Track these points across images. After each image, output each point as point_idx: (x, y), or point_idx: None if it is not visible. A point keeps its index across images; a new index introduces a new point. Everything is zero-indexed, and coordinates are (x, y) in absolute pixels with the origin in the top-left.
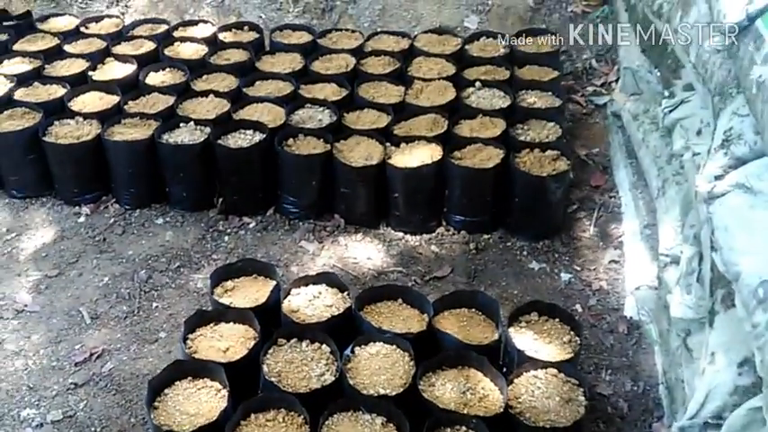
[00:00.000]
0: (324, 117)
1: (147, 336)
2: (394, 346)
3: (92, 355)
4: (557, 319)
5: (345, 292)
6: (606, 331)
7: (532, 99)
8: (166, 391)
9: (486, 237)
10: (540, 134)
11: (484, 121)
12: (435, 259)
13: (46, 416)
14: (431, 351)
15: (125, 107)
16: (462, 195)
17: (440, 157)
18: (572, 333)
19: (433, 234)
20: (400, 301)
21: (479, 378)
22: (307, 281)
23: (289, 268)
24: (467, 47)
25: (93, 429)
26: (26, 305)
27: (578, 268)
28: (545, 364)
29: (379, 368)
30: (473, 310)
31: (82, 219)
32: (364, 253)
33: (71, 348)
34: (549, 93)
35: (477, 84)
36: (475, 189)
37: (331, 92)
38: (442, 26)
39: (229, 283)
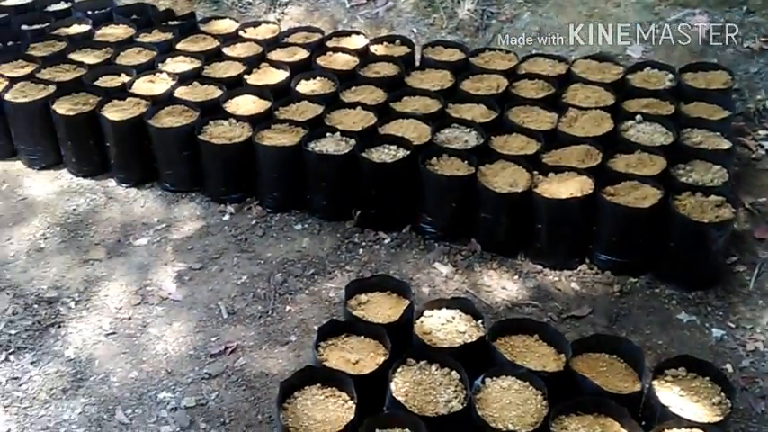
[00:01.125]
0: (470, 138)
1: (278, 337)
2: (527, 383)
3: (226, 348)
4: (707, 378)
5: (479, 321)
6: (758, 396)
7: (698, 138)
8: (296, 394)
9: (632, 280)
10: (704, 177)
11: (642, 157)
12: (575, 297)
13: (180, 401)
14: (566, 393)
15: (276, 113)
16: (611, 233)
17: (590, 191)
18: (723, 394)
19: (575, 271)
20: (536, 336)
21: (616, 429)
22: (441, 304)
23: (420, 288)
24: (629, 77)
25: (222, 420)
26: (170, 293)
27: (732, 325)
28: (691, 424)
29: (509, 403)
30: (614, 356)
31: (226, 217)
32: (499, 282)
33: (208, 339)
34: (718, 133)
35: (638, 117)
36: (626, 228)
37: (479, 113)
38: (603, 53)
39: (363, 297)
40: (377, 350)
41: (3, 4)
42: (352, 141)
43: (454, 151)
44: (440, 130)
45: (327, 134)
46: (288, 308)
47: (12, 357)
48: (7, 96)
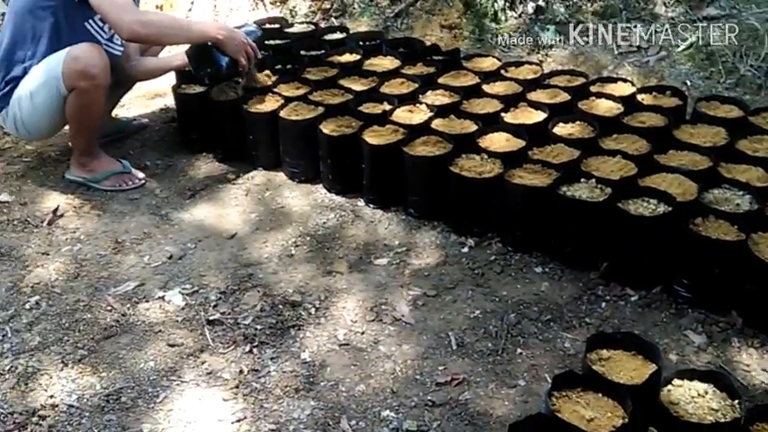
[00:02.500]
0: (743, 202)
1: (506, 378)
2: None
3: (452, 379)
4: None
5: (736, 401)
6: None
7: None
8: None
9: None
10: None
11: None
12: None
13: (402, 422)
14: None
15: (529, 152)
16: None
17: None
18: None
19: None
20: None
21: None
22: (693, 375)
23: (667, 354)
24: None
25: None
26: (403, 315)
27: None
28: None
29: None
30: None
31: (465, 249)
32: (760, 363)
33: (435, 367)
34: None
35: None
36: None
37: (756, 176)
38: None
39: (605, 352)
40: (615, 411)
41: (287, 31)
42: (608, 190)
43: (723, 214)
44: (708, 189)
45: (582, 180)
46: (519, 350)
47: (255, 350)
48: (282, 113)
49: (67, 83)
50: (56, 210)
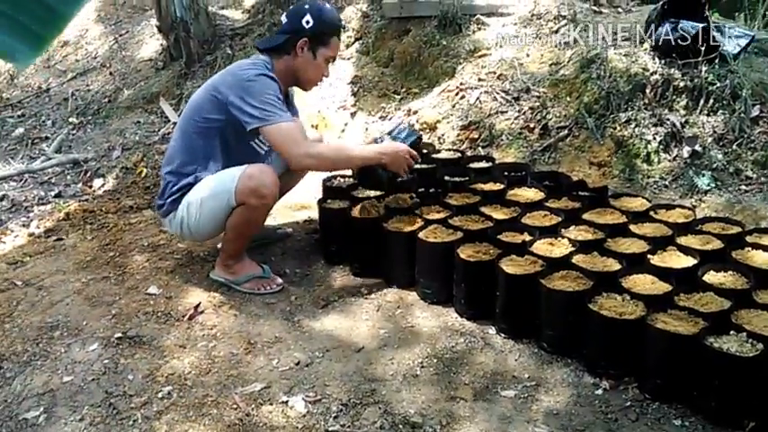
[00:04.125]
0: None
1: None
2: None
3: None
4: None
5: None
6: None
7: None
8: None
9: None
10: None
11: None
12: None
13: None
14: None
15: (675, 297)
16: None
17: None
18: None
19: None
20: None
21: None
22: None
23: None
24: None
25: None
26: None
27: None
28: None
29: None
30: None
31: (599, 391)
32: None
33: None
34: None
35: None
36: None
37: None
38: None
39: None
40: None
41: (433, 156)
42: (760, 346)
43: None
44: None
45: (732, 332)
46: None
47: None
48: (421, 234)
49: (239, 198)
50: (197, 306)
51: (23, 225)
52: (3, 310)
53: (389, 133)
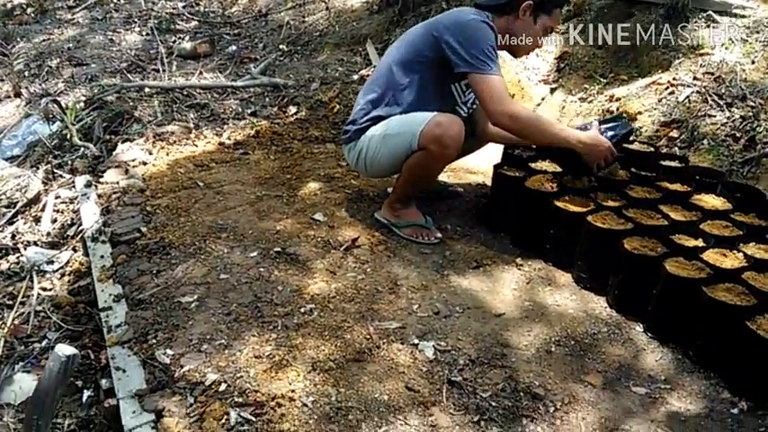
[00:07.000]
0: None
1: None
2: None
3: None
4: None
5: None
6: None
7: None
8: None
9: None
10: None
11: None
12: None
13: None
14: None
15: None
16: None
17: None
18: None
19: None
20: None
21: None
22: None
23: None
24: None
25: None
26: None
27: None
28: None
29: None
30: None
31: (735, 411)
32: None
33: None
34: None
35: None
36: None
37: None
38: None
39: None
40: None
41: (625, 146)
42: None
43: None
44: None
45: None
46: None
47: (482, 423)
48: (589, 217)
49: (422, 142)
50: (355, 239)
51: (216, 134)
52: (182, 205)
53: (602, 122)
